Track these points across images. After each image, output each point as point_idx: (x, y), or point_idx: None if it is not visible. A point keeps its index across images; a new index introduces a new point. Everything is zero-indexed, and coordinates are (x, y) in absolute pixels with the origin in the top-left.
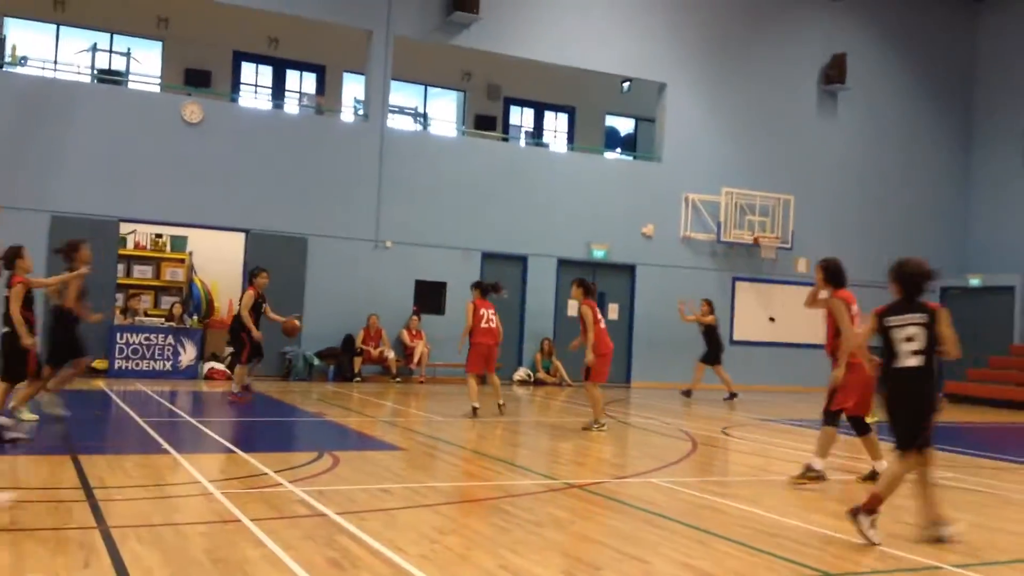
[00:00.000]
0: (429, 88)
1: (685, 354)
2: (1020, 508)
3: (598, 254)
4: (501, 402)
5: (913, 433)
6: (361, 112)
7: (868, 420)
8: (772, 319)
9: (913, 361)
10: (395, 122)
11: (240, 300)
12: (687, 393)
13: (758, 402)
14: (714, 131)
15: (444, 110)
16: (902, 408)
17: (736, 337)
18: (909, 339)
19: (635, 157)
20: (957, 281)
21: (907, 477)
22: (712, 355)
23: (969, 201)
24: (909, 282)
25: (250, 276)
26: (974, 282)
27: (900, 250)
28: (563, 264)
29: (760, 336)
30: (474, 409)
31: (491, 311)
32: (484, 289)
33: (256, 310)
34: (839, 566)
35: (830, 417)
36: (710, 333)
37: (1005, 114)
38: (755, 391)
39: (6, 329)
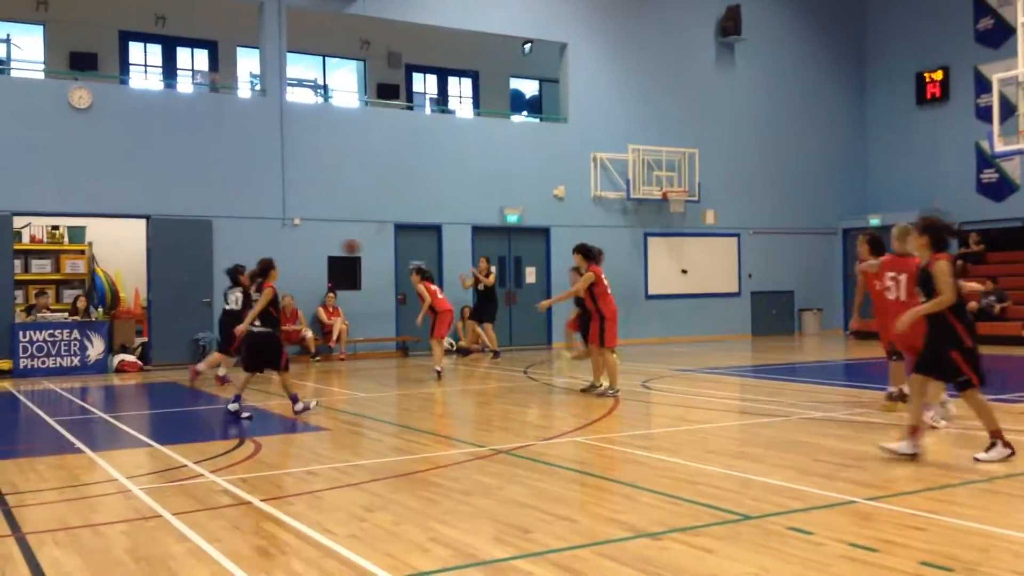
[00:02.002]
0: (328, 59)
1: None
2: (927, 437)
3: (512, 219)
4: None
5: None
6: (258, 87)
7: None
8: (684, 271)
9: None
10: (294, 95)
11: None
12: (465, 352)
13: (676, 353)
14: (617, 89)
15: (345, 81)
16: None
17: (651, 292)
18: None
19: (542, 119)
20: (858, 222)
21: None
22: (490, 313)
23: (866, 143)
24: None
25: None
26: (874, 222)
27: (803, 195)
28: (477, 231)
29: (674, 289)
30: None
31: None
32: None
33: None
34: (757, 508)
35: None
36: (489, 292)
37: (897, 56)
38: (672, 343)
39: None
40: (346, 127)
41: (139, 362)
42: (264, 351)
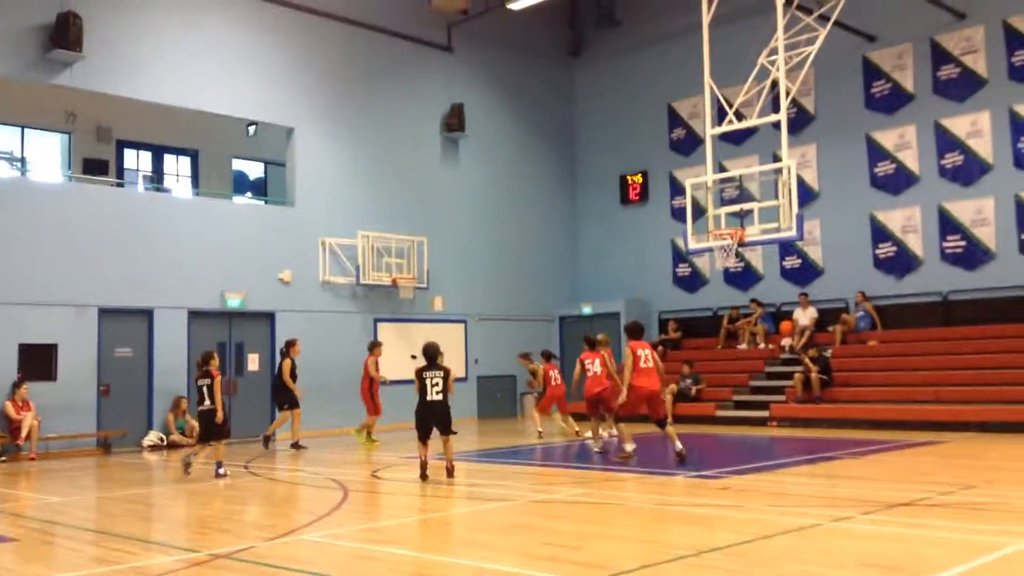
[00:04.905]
0: (27, 129)
1: (334, 400)
2: (640, 516)
3: (233, 303)
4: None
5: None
6: None
7: None
8: (414, 356)
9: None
10: None
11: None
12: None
13: (405, 439)
14: (347, 175)
15: (46, 153)
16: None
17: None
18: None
19: (267, 202)
20: (572, 309)
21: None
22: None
23: (578, 237)
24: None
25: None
26: (586, 310)
27: (523, 284)
28: (194, 316)
29: (404, 374)
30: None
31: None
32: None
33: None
34: None
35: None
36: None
37: (602, 159)
38: (403, 429)
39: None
40: (46, 203)
41: None
42: (213, 424)
